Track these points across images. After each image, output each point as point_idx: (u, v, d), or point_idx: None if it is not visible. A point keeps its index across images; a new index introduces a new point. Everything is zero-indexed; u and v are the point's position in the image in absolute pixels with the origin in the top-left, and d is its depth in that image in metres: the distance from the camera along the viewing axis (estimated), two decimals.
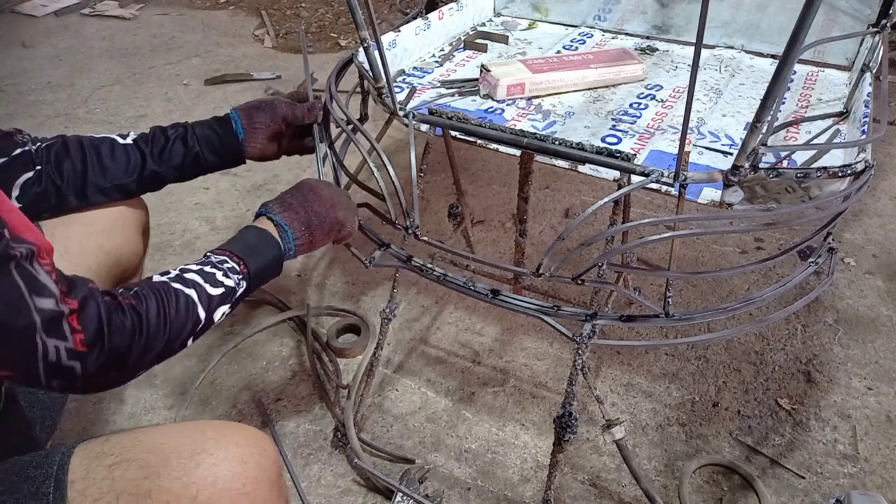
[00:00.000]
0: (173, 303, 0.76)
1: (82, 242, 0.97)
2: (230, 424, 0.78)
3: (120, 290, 0.75)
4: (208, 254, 0.86)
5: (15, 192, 0.91)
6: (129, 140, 1.01)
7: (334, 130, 1.13)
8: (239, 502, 0.70)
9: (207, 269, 0.82)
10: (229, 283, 0.83)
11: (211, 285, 0.80)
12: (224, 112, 1.08)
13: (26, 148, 0.92)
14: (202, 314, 0.79)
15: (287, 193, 0.96)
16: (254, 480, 0.72)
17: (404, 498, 1.11)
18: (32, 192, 0.92)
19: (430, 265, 1.02)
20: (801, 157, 0.99)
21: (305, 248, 0.95)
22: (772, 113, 0.81)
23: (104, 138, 1.00)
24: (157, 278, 0.79)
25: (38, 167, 0.92)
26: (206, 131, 1.05)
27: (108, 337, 0.68)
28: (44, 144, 0.94)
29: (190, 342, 0.80)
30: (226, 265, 0.84)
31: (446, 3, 1.48)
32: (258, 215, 0.94)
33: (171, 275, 0.80)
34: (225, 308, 0.83)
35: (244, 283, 0.85)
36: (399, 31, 1.32)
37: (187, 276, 0.80)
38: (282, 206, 0.94)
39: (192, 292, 0.79)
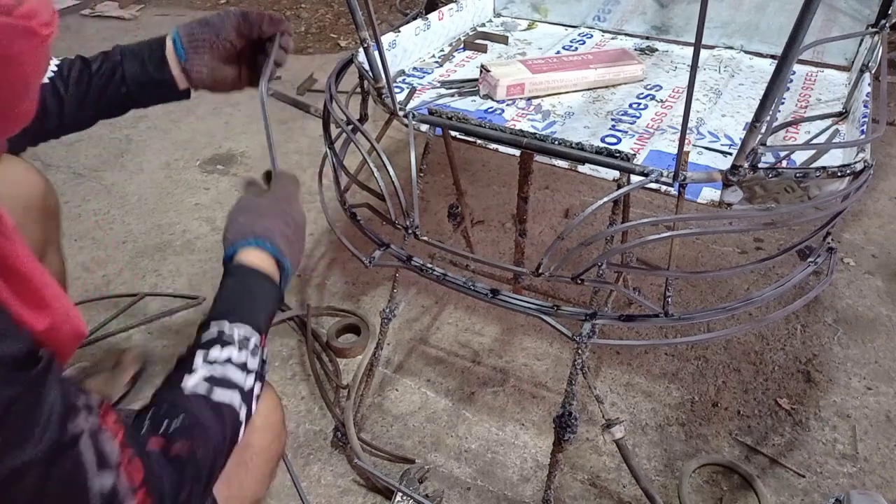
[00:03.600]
0: (223, 428, 0.64)
1: None
2: None
3: (166, 425, 0.61)
4: (228, 326, 0.68)
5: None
6: (45, 80, 0.86)
7: (334, 130, 1.13)
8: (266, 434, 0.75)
9: (236, 355, 0.67)
10: (255, 365, 0.69)
11: (247, 375, 0.67)
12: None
13: None
14: (243, 416, 0.67)
15: (281, 221, 0.78)
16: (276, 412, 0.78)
17: (404, 498, 1.11)
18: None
19: (430, 265, 1.03)
20: (800, 157, 0.99)
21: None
22: (771, 113, 0.82)
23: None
24: (189, 386, 0.64)
25: None
26: (136, 70, 0.90)
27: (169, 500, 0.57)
28: None
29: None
30: (251, 343, 0.69)
31: (446, 4, 1.48)
32: (248, 245, 0.74)
33: (201, 375, 0.64)
34: (262, 382, 0.72)
35: (267, 350, 0.72)
36: (399, 31, 1.32)
37: (219, 374, 0.65)
38: (284, 240, 0.77)
39: (234, 399, 0.65)
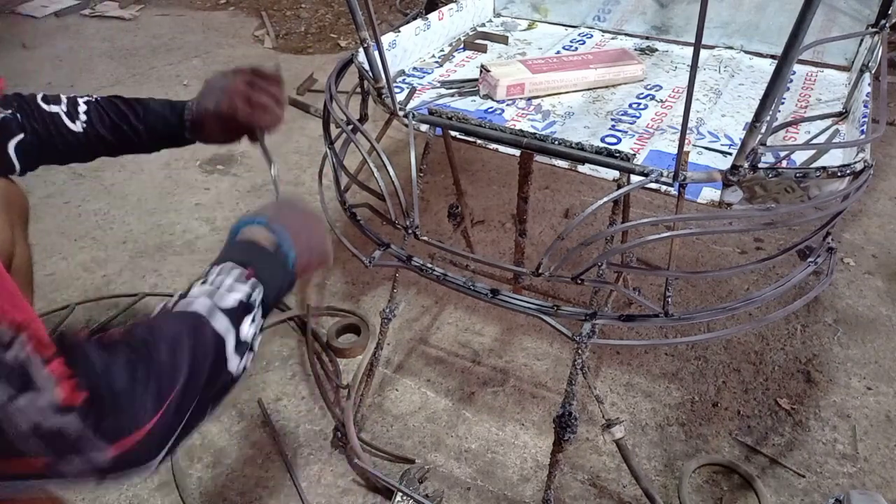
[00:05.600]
0: (175, 327, 0.63)
1: None
2: None
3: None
4: (207, 271, 0.72)
5: (11, 153, 0.95)
6: (78, 127, 1.01)
7: (334, 130, 1.13)
8: None
9: (208, 287, 0.69)
10: (242, 289, 0.70)
11: (217, 296, 0.68)
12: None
13: (6, 113, 0.95)
14: (219, 328, 0.66)
15: (282, 210, 0.84)
16: None
17: (404, 498, 1.11)
18: (27, 153, 0.97)
19: (430, 265, 1.03)
20: (800, 157, 0.99)
21: (300, 272, 0.82)
22: (771, 113, 0.82)
23: (55, 115, 1.00)
24: (158, 308, 0.67)
25: (24, 133, 0.96)
26: (155, 121, 1.05)
27: (106, 386, 0.55)
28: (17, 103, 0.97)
29: (235, 366, 0.67)
30: (234, 272, 0.71)
31: (446, 4, 1.48)
32: (245, 225, 0.79)
33: (174, 300, 0.68)
34: (252, 316, 0.70)
35: (259, 289, 0.72)
36: (399, 31, 1.32)
37: (190, 295, 0.68)
38: (278, 215, 0.81)
39: (199, 309, 0.66)
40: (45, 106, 0.99)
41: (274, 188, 1.05)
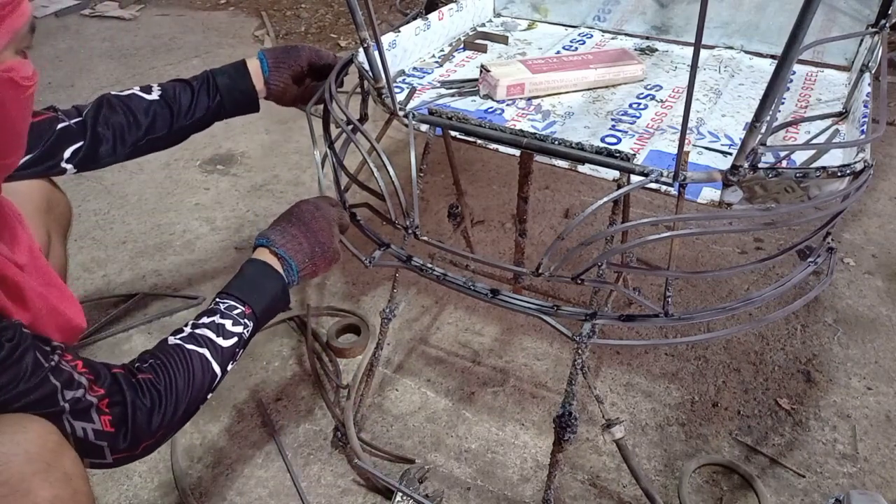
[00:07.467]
0: (189, 368, 0.80)
1: None
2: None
3: (136, 364, 0.79)
4: (217, 301, 0.88)
5: (66, 155, 1.00)
6: (154, 96, 1.07)
7: (334, 130, 1.13)
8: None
9: (217, 319, 0.85)
10: (238, 329, 0.86)
11: (223, 338, 0.84)
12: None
13: (67, 124, 1.00)
14: (217, 369, 0.83)
15: (287, 222, 0.96)
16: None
17: (404, 498, 1.11)
18: (80, 157, 1.01)
19: (429, 265, 1.03)
20: (800, 157, 0.99)
21: (308, 277, 0.96)
22: (771, 113, 0.82)
23: (132, 95, 1.06)
24: (171, 340, 0.83)
25: (83, 141, 1.00)
26: (226, 81, 1.12)
27: (131, 419, 0.74)
28: (88, 110, 1.02)
29: (209, 396, 0.84)
30: (234, 311, 0.87)
31: (446, 4, 1.48)
32: (258, 245, 0.94)
33: (184, 334, 0.83)
34: (238, 353, 0.87)
35: (251, 324, 0.88)
36: (399, 31, 1.32)
37: (199, 332, 0.83)
38: (283, 236, 0.93)
39: (205, 351, 0.82)
40: (120, 93, 1.06)
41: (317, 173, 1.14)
